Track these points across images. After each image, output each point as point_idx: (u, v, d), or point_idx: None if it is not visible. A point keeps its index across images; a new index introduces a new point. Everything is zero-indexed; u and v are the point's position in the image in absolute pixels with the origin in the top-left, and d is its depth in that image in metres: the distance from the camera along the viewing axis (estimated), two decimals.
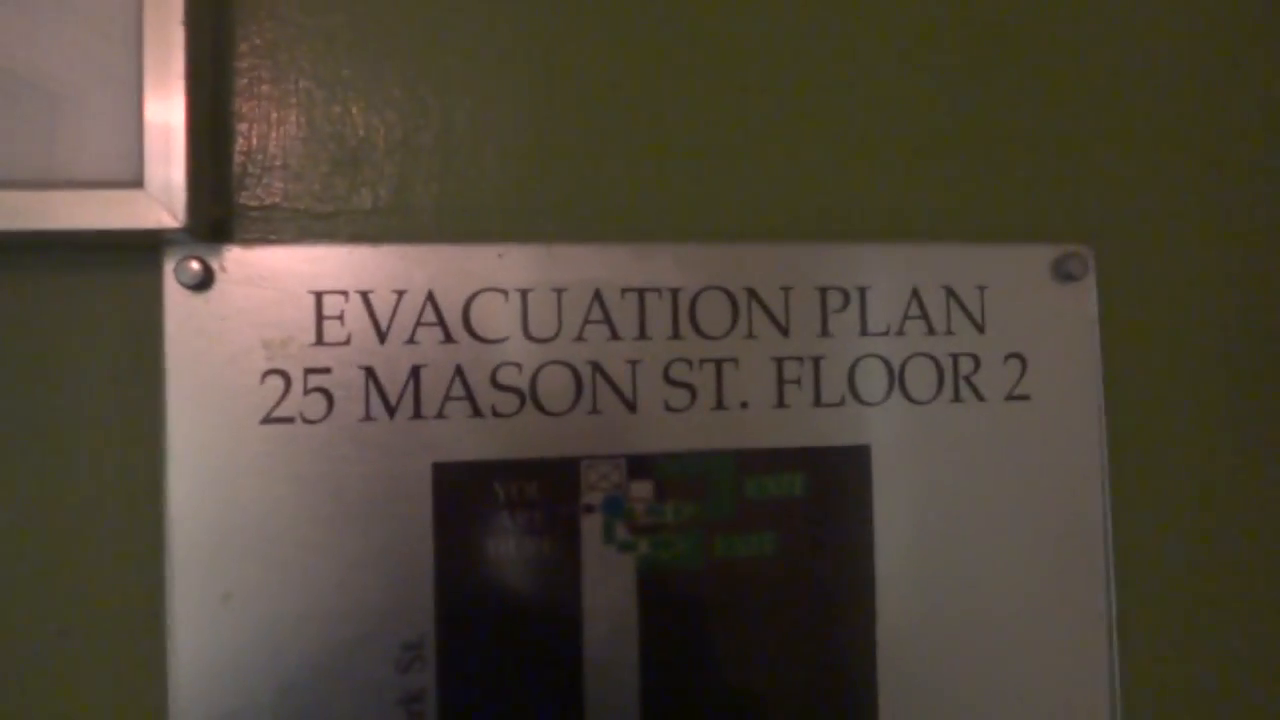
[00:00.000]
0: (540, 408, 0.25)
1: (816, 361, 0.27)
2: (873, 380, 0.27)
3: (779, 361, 0.27)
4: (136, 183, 0.23)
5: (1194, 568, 0.29)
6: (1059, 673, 0.28)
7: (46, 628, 0.24)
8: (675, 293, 0.26)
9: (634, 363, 0.26)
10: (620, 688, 0.25)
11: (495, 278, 0.26)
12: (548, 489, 0.25)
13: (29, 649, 0.24)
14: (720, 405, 0.26)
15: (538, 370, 0.26)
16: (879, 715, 0.27)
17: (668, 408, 0.26)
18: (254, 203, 0.26)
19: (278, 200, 0.26)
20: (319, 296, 0.25)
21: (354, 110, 0.26)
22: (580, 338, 0.26)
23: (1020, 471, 0.28)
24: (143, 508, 0.24)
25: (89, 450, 0.25)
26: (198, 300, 0.24)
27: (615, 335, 0.26)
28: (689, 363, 0.26)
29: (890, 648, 0.27)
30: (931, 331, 0.27)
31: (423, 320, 0.25)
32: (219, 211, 0.25)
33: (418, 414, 0.25)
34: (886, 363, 0.27)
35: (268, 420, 0.24)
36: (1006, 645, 0.27)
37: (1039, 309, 0.28)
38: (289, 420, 0.24)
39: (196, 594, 0.24)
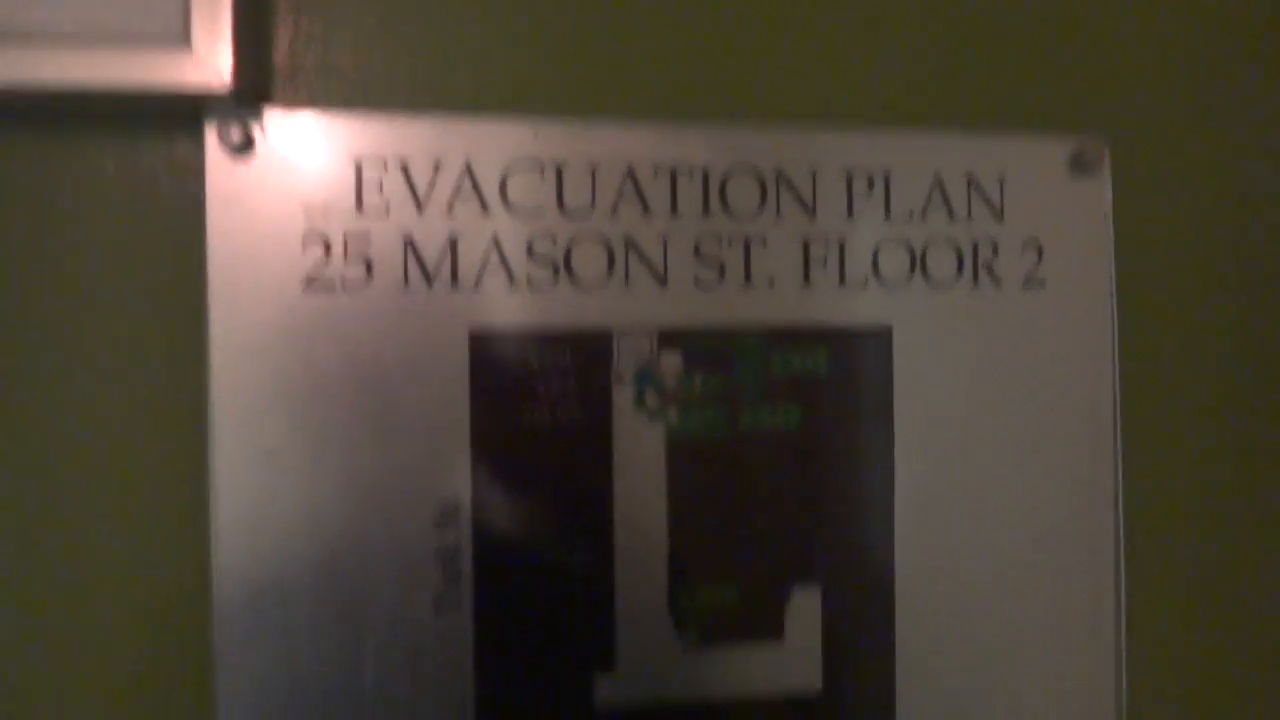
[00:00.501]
0: (574, 280, 0.26)
1: (841, 243, 0.28)
2: (895, 263, 0.28)
3: (805, 242, 0.27)
4: (183, 44, 0.23)
5: (1202, 451, 0.30)
6: (1066, 543, 0.29)
7: (88, 485, 0.25)
8: (706, 172, 0.27)
9: (665, 239, 0.27)
10: (648, 548, 0.26)
11: (531, 152, 0.26)
12: (581, 358, 0.26)
13: (72, 505, 0.25)
14: (748, 282, 0.27)
15: (571, 244, 0.26)
16: (895, 575, 0.28)
17: (697, 283, 0.27)
18: (296, 68, 0.26)
19: (319, 66, 0.26)
20: (359, 164, 0.25)
21: None
22: (613, 213, 0.26)
23: (1034, 355, 0.29)
24: (185, 370, 0.25)
25: (129, 314, 0.25)
26: (239, 165, 0.25)
27: (647, 211, 0.27)
28: (718, 240, 0.27)
29: (907, 516, 0.28)
30: (952, 217, 0.28)
31: (460, 191, 0.26)
32: (262, 76, 0.25)
33: (455, 283, 0.26)
34: (909, 247, 0.28)
35: (309, 286, 0.25)
36: (1017, 516, 0.28)
37: (1056, 199, 0.29)
38: (329, 287, 0.25)
39: (240, 451, 0.25)
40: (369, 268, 0.25)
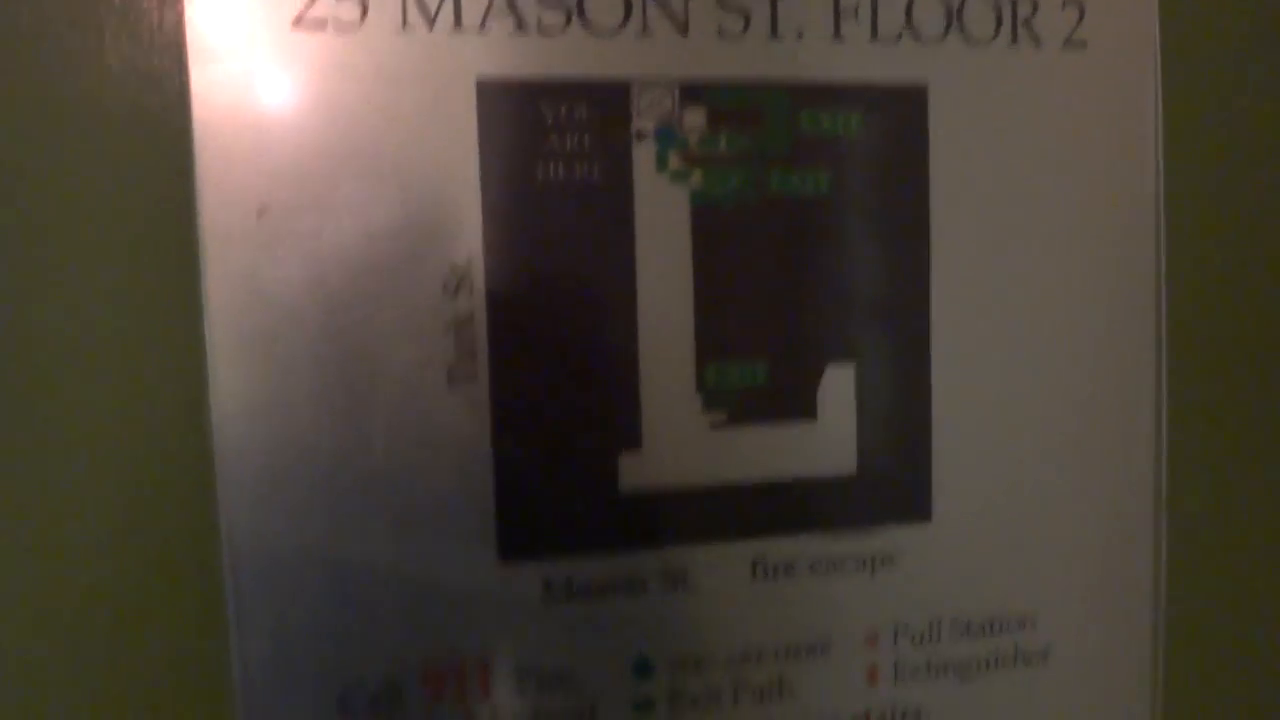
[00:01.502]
0: (588, 25, 0.24)
1: None
2: (931, 16, 0.26)
3: None
4: None
5: (1247, 218, 0.29)
6: (1105, 315, 0.27)
7: (79, 245, 0.23)
8: None
9: None
10: (673, 321, 0.25)
11: None
12: (597, 112, 0.24)
13: (59, 271, 0.22)
14: (774, 34, 0.25)
15: None
16: (931, 353, 0.26)
17: (721, 33, 0.25)
18: None
19: None
20: None
21: None
22: None
23: (1074, 120, 0.27)
24: (166, 117, 0.23)
25: (104, 70, 0.22)
26: None
27: None
28: None
29: (942, 289, 0.26)
30: None
31: None
32: None
33: (458, 24, 0.23)
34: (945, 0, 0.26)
35: (299, 24, 0.22)
36: (1056, 286, 0.27)
37: None
38: (321, 25, 0.23)
39: (228, 209, 0.22)
40: (364, 7, 0.23)
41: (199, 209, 0.22)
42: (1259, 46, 0.29)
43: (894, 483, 0.26)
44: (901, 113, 0.26)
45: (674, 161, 0.24)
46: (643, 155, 0.24)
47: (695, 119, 0.24)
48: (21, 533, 0.22)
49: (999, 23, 0.26)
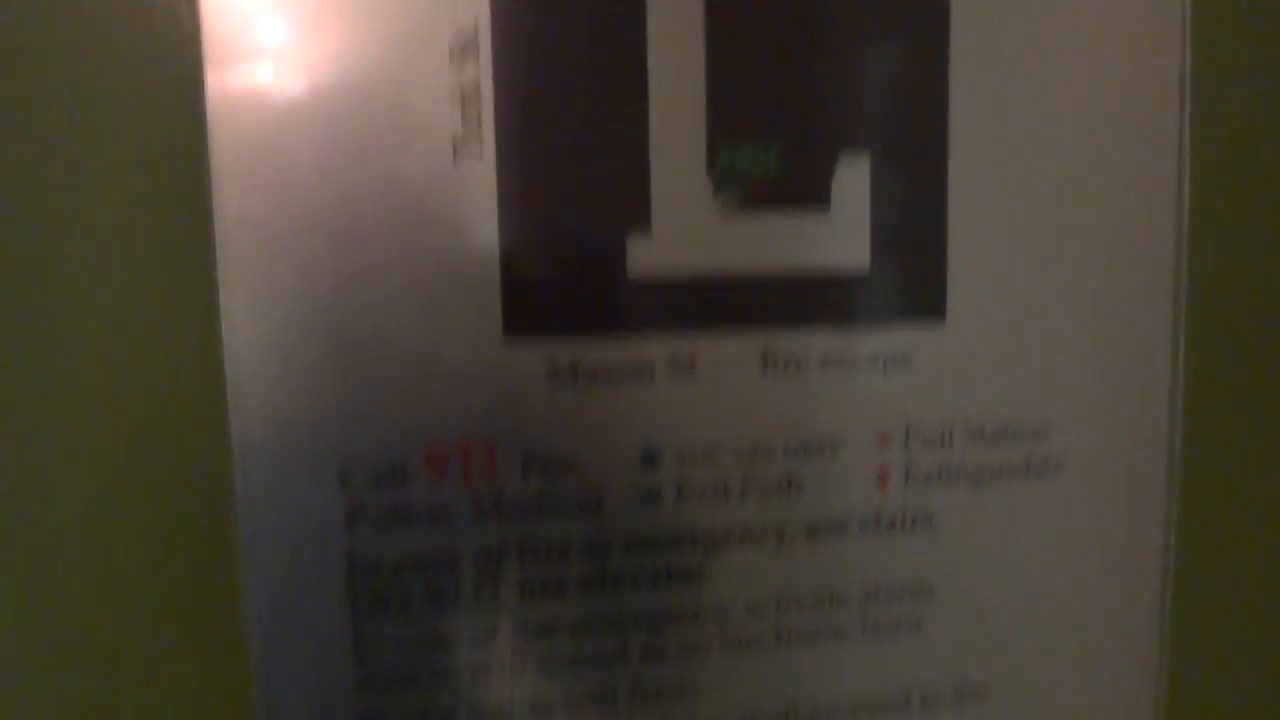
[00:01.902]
0: None
1: None
2: None
3: None
4: None
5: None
6: (1130, 122, 0.27)
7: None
8: None
9: None
10: (684, 99, 0.24)
11: None
12: None
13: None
14: None
15: None
16: (949, 148, 0.26)
17: None
18: None
19: None
20: None
21: None
22: None
23: None
24: None
25: None
26: None
27: None
28: None
29: (961, 79, 0.25)
30: None
31: None
32: None
33: None
34: None
35: None
36: (1079, 84, 0.26)
37: None
38: None
39: None
40: None
41: None
42: None
43: (907, 281, 0.25)
44: None
45: None
46: None
47: None
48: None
49: None
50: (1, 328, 0.22)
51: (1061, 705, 0.28)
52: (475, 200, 0.23)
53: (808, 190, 0.25)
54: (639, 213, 0.24)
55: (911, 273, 0.26)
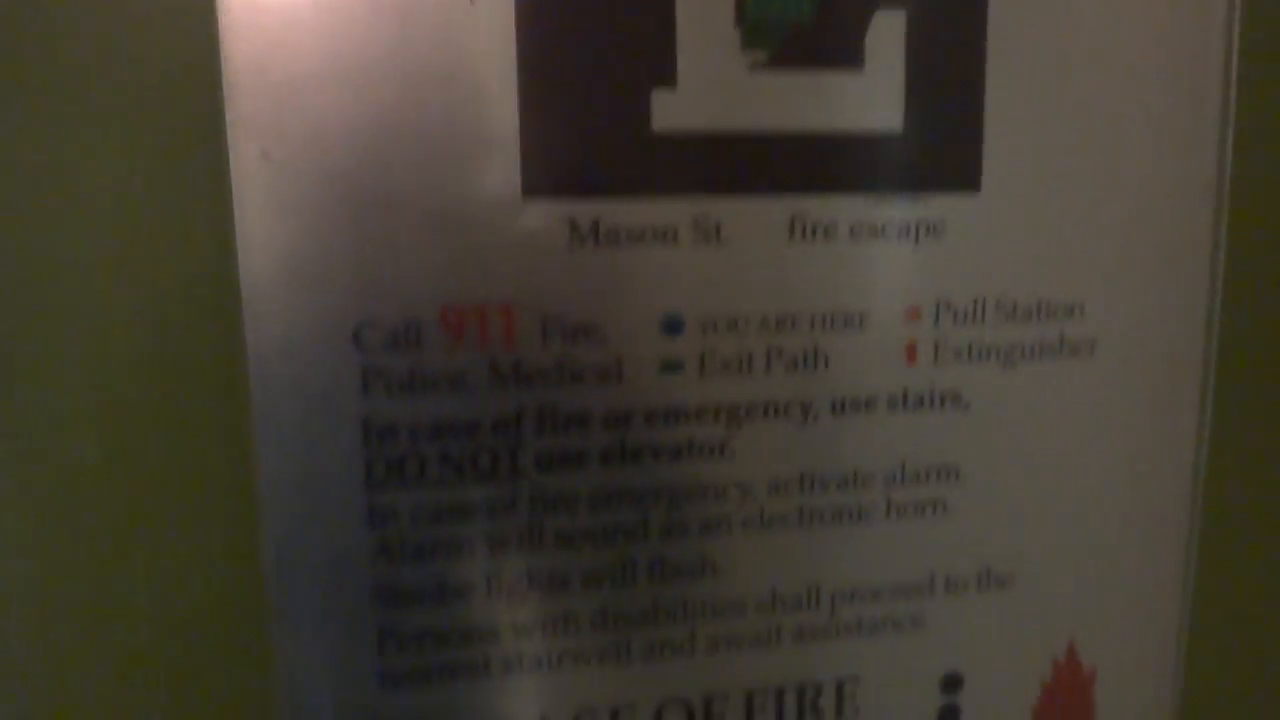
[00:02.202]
0: None
1: None
2: None
3: None
4: None
5: None
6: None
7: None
8: None
9: None
10: None
11: None
12: None
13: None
14: None
15: None
16: (989, 9, 0.24)
17: None
18: None
19: None
20: None
21: None
22: None
23: None
24: None
25: None
26: None
27: None
28: None
29: None
30: None
31: None
32: None
33: None
34: None
35: None
36: None
37: None
38: None
39: None
40: None
41: None
42: None
43: (942, 147, 0.24)
44: None
45: None
46: None
47: None
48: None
49: None
50: (12, 193, 0.21)
51: (1086, 595, 0.28)
52: (493, 52, 0.22)
53: (840, 47, 0.24)
54: (664, 66, 0.23)
55: (946, 139, 0.25)
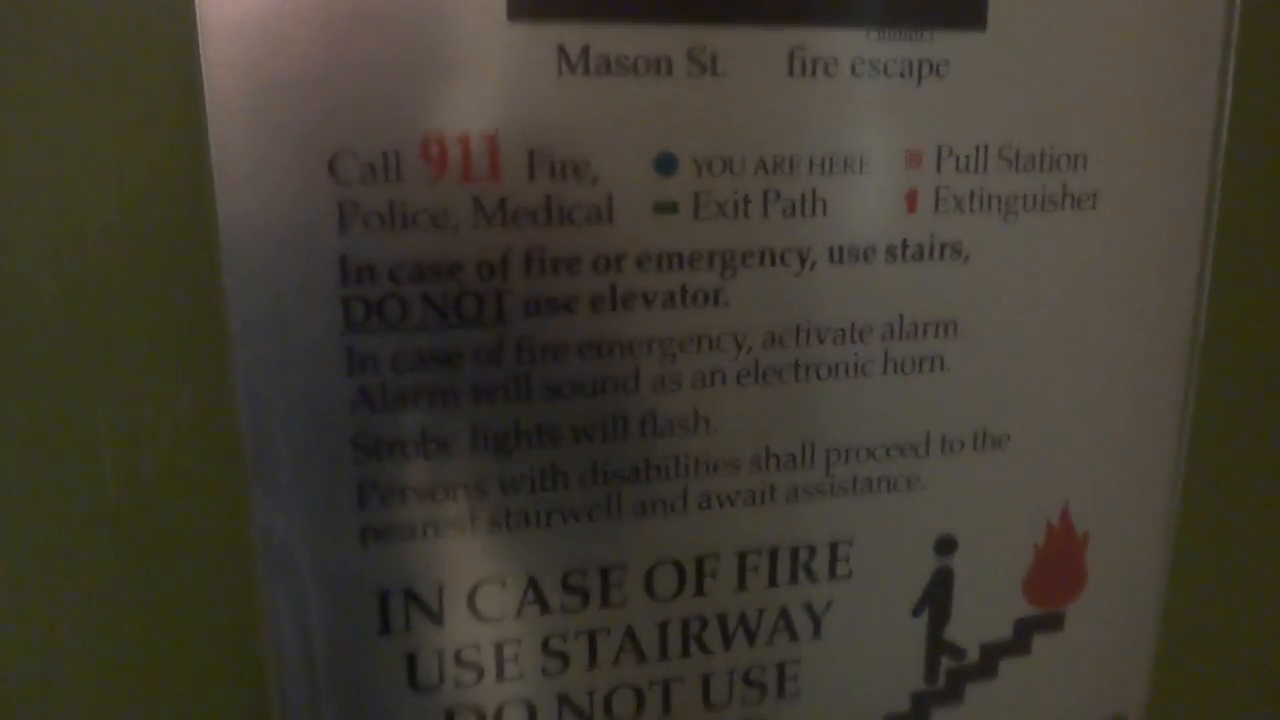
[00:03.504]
0: None
1: None
2: None
3: None
4: None
5: None
6: None
7: None
8: None
9: None
10: None
11: None
12: None
13: None
14: None
15: None
16: None
17: None
18: None
19: None
20: None
21: None
22: None
23: None
24: None
25: None
26: None
27: None
28: None
29: None
30: None
31: None
32: None
33: None
34: None
35: None
36: None
37: None
38: None
39: None
40: None
41: None
42: None
43: None
44: None
45: None
46: None
47: None
48: None
49: None
50: None
51: (1082, 458, 0.27)
52: None
53: None
54: None
55: None
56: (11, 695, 0.22)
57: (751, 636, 0.26)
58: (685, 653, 0.25)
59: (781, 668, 0.26)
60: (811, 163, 0.23)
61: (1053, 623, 0.28)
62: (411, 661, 0.23)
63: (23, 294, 0.21)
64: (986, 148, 0.24)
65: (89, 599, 0.22)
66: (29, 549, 0.22)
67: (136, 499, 0.22)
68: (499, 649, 0.24)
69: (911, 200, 0.24)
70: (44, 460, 0.21)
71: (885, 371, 0.25)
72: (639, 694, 0.25)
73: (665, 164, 0.22)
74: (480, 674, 0.24)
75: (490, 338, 0.22)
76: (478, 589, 0.23)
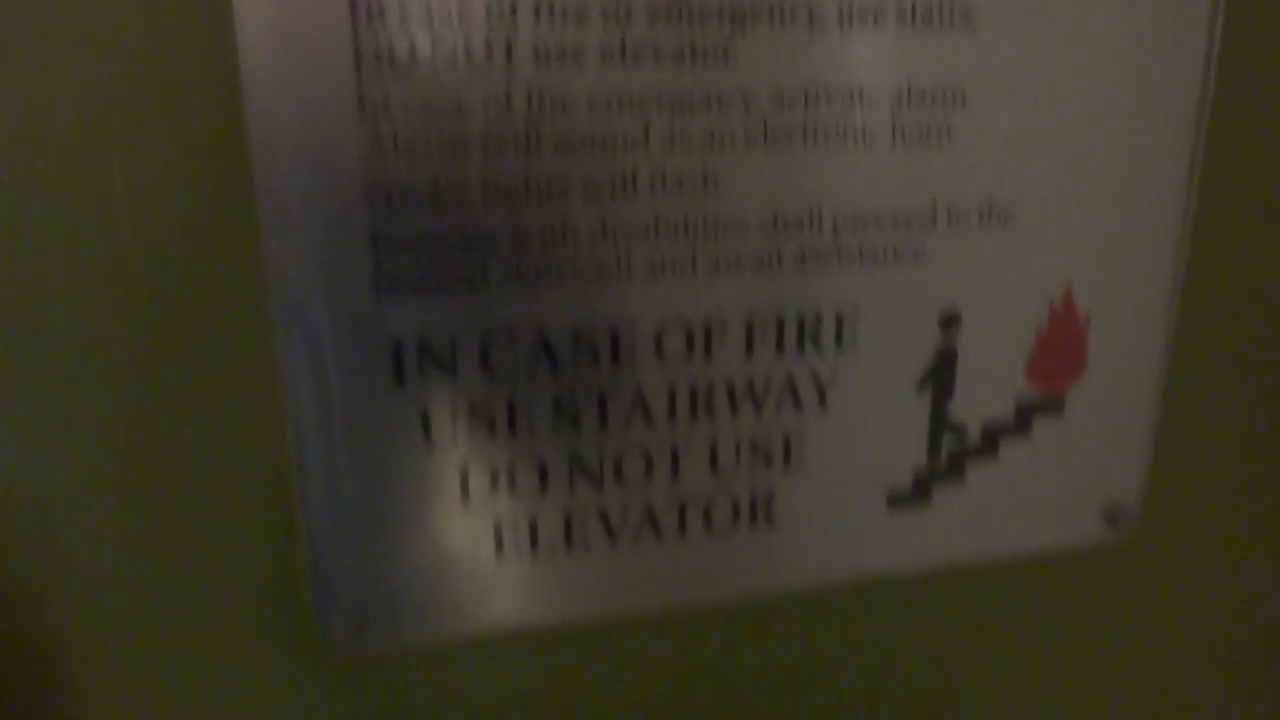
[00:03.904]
0: None
1: None
2: None
3: None
4: None
5: None
6: None
7: None
8: None
9: None
10: None
11: None
12: None
13: None
14: None
15: None
16: None
17: None
18: None
19: None
20: None
21: None
22: None
23: None
24: None
25: None
26: None
27: None
28: None
29: None
30: None
31: None
32: None
33: None
34: None
35: None
36: None
37: None
38: None
39: None
40: None
41: None
42: None
43: None
44: None
45: None
46: None
47: None
48: None
49: None
50: None
51: (1086, 236, 0.28)
52: None
53: None
54: None
55: None
56: (37, 442, 0.23)
57: (758, 405, 0.26)
58: (693, 416, 0.26)
59: (787, 437, 0.27)
60: None
61: (1053, 405, 0.29)
62: (425, 415, 0.24)
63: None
64: None
65: (108, 355, 0.23)
66: (52, 310, 0.22)
67: (151, 252, 0.22)
68: (510, 405, 0.24)
69: None
70: (60, 225, 0.22)
71: (893, 140, 0.25)
72: (648, 458, 0.26)
73: None
74: (492, 429, 0.24)
75: (500, 86, 0.22)
76: (490, 343, 0.24)
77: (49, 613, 0.23)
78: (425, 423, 0.24)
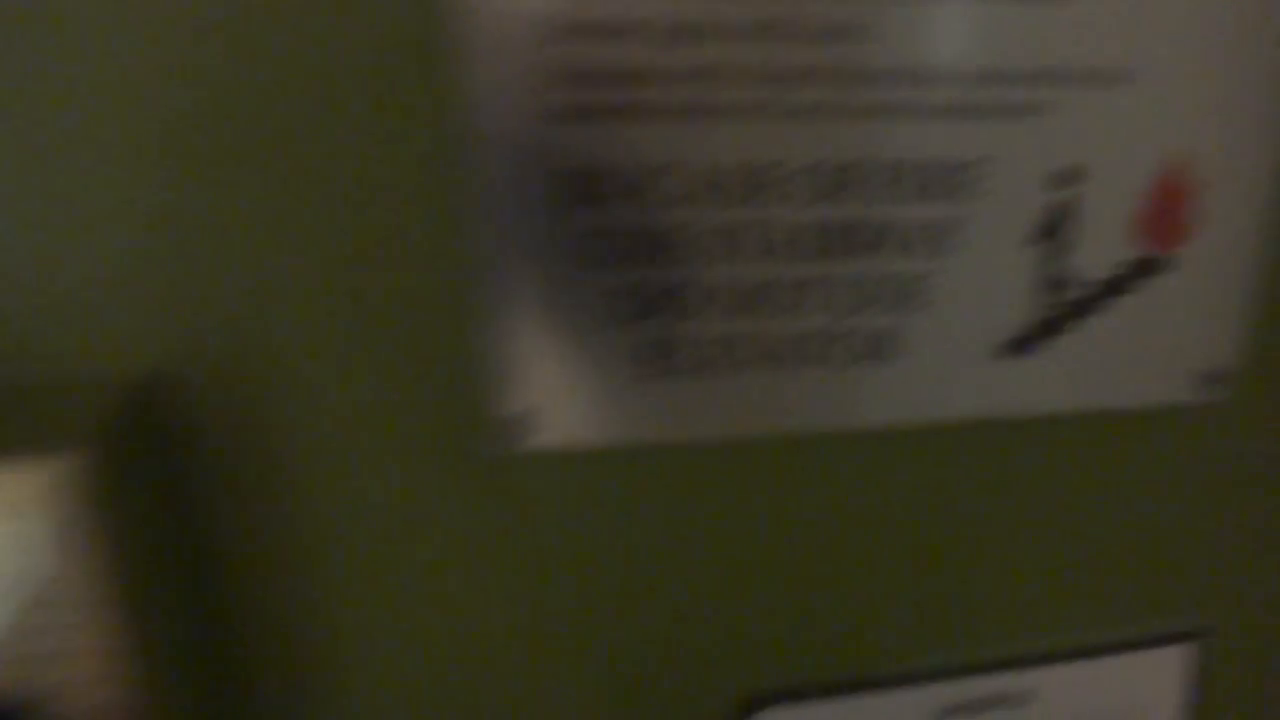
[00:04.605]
0: None
1: None
2: None
3: None
4: None
5: None
6: None
7: None
8: None
9: None
10: None
11: None
12: None
13: None
14: None
15: None
16: None
17: None
18: None
19: None
20: None
21: None
22: None
23: None
24: None
25: None
26: None
27: None
28: None
29: None
30: None
31: None
32: None
33: None
34: None
35: None
36: None
37: None
38: None
39: None
40: None
41: None
42: None
43: None
44: None
45: None
46: None
47: None
48: None
49: None
50: None
51: (1201, 106, 0.29)
52: None
53: None
54: None
55: None
56: (271, 293, 0.26)
57: (888, 247, 0.29)
58: (823, 255, 0.28)
59: (909, 280, 0.29)
60: None
61: (1162, 266, 0.31)
62: (587, 243, 0.27)
63: None
64: None
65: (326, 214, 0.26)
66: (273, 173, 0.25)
67: (323, 64, 0.25)
68: (665, 237, 0.27)
69: None
70: None
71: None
72: (779, 292, 0.28)
73: None
74: (652, 259, 0.27)
75: None
76: (663, 174, 0.26)
77: (289, 437, 0.27)
78: (587, 251, 0.27)
